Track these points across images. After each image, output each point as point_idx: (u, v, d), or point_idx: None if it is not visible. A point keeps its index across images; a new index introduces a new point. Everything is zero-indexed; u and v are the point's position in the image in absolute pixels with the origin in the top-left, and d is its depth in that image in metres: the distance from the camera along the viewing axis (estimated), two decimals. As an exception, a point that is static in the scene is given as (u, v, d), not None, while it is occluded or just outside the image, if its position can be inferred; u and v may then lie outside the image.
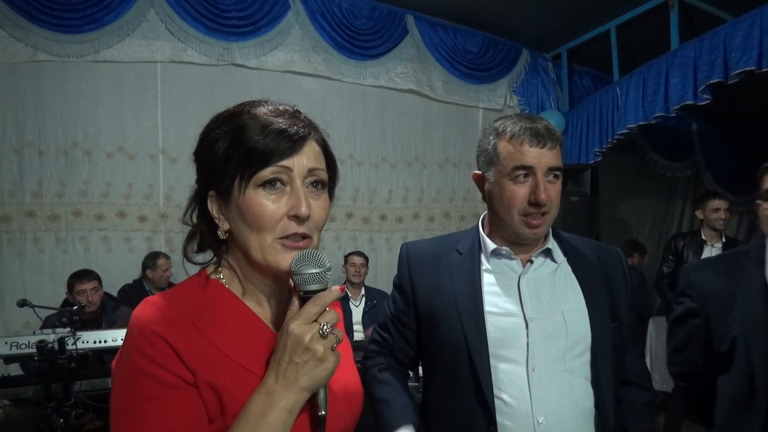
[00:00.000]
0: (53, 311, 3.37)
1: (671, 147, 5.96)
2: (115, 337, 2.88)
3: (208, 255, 0.97)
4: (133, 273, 4.44)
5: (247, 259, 0.91)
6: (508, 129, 1.31)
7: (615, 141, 4.87)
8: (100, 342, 2.85)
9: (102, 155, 4.42)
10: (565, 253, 1.39)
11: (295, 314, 0.83)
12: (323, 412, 0.85)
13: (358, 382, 1.05)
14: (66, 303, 3.67)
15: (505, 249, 1.36)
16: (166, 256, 4.33)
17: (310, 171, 0.89)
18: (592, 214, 4.95)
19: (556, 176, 1.30)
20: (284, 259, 0.87)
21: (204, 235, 0.95)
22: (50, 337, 2.64)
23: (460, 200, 5.62)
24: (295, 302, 0.87)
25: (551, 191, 1.28)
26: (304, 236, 0.88)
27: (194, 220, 0.95)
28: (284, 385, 0.81)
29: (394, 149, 5.35)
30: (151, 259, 4.24)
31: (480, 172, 1.39)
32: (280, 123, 0.88)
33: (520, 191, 1.28)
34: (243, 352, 0.88)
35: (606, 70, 5.39)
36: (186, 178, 4.60)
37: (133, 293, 4.21)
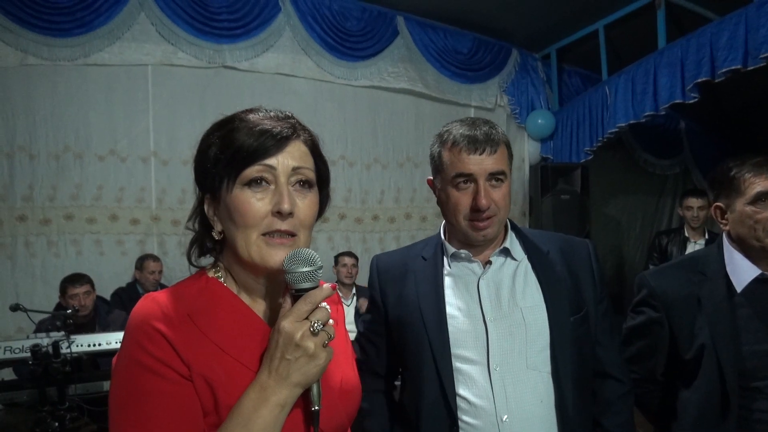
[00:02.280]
0: (46, 315, 3.36)
1: (660, 145, 6.03)
2: (109, 340, 2.88)
3: (210, 259, 1.01)
4: (126, 276, 4.43)
5: (237, 258, 0.93)
6: (450, 137, 1.34)
7: (605, 140, 4.92)
8: (94, 345, 2.85)
9: (93, 158, 4.41)
10: (526, 250, 1.41)
11: (287, 312, 0.86)
12: (317, 407, 0.87)
13: (356, 379, 1.06)
14: (59, 307, 3.66)
15: (464, 252, 1.39)
16: (156, 259, 4.33)
17: (295, 170, 0.91)
18: (583, 212, 5.01)
19: (499, 179, 1.33)
20: (269, 254, 0.89)
21: (202, 237, 0.98)
22: (44, 341, 2.63)
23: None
24: (288, 300, 0.89)
25: (495, 195, 1.31)
26: (289, 233, 0.90)
27: (196, 225, 0.99)
28: (276, 381, 0.84)
29: (385, 150, 5.37)
30: (140, 261, 4.24)
31: (431, 178, 1.45)
32: (266, 124, 0.92)
33: (463, 198, 1.32)
34: (239, 347, 0.90)
35: (595, 69, 5.45)
36: (178, 180, 4.62)
37: (126, 296, 4.20)
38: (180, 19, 4.46)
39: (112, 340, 2.88)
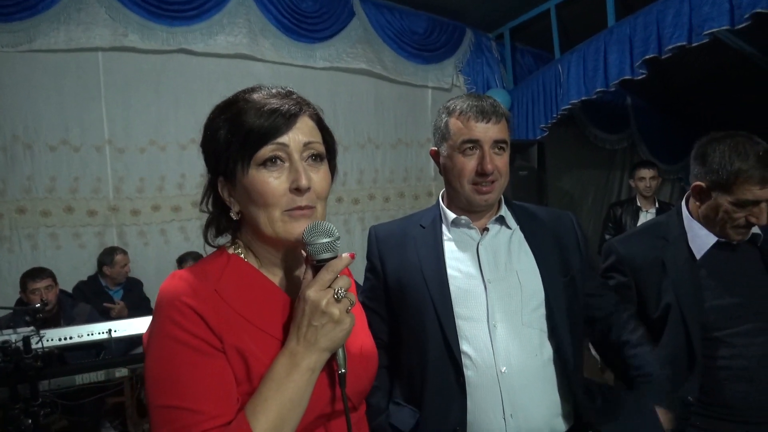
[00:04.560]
0: (7, 311, 3.26)
1: (608, 121, 6.26)
2: (80, 333, 2.83)
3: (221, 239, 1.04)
4: (86, 269, 4.31)
5: (258, 234, 0.97)
6: (458, 107, 1.45)
7: (559, 116, 5.07)
8: (65, 339, 2.79)
9: (44, 149, 4.23)
10: (518, 221, 1.52)
11: (310, 282, 0.90)
12: (343, 370, 0.93)
13: (372, 345, 1.12)
14: (20, 303, 3.54)
15: (464, 218, 1.49)
16: (123, 252, 4.24)
17: (306, 145, 0.95)
18: (540, 186, 5.17)
19: (501, 148, 1.44)
20: (293, 228, 0.94)
21: (218, 218, 1.01)
22: (13, 337, 2.56)
23: (413, 180, 5.73)
24: (309, 271, 0.93)
25: (497, 162, 1.42)
26: (308, 207, 0.94)
27: (209, 207, 1.01)
28: (305, 347, 0.88)
29: (346, 132, 5.36)
30: (108, 256, 4.13)
31: (435, 148, 1.53)
32: (273, 103, 0.94)
33: (469, 163, 1.42)
34: (264, 319, 0.94)
35: (547, 48, 5.58)
36: (135, 169, 4.49)
37: (89, 290, 4.10)
38: (130, 1, 4.28)
39: (84, 332, 2.84)
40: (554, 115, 5.08)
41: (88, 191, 4.40)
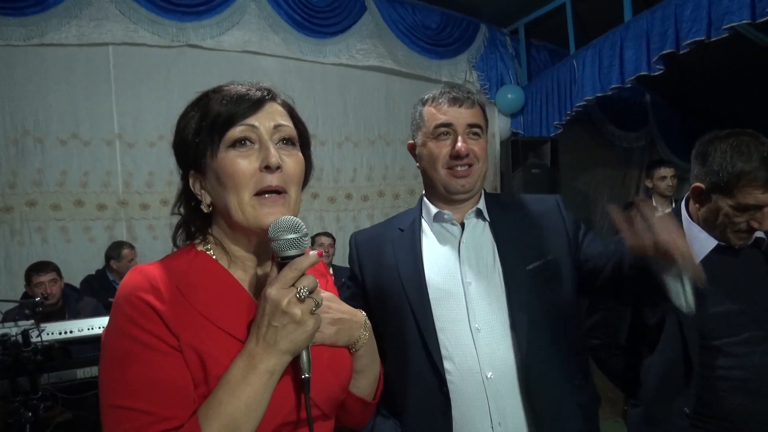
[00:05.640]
0: (13, 305, 3.28)
1: (626, 118, 6.13)
2: (81, 327, 2.82)
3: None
4: (95, 263, 4.33)
5: (230, 224, 0.94)
6: (431, 96, 1.44)
7: (573, 113, 4.97)
8: (65, 333, 2.80)
9: (55, 143, 4.27)
10: (490, 214, 1.44)
11: (273, 279, 0.86)
12: (306, 375, 0.88)
13: (346, 351, 1.05)
14: (25, 296, 3.57)
15: (446, 213, 1.43)
16: (131, 246, 4.24)
17: (276, 127, 0.94)
18: (553, 185, 5.08)
19: (476, 134, 1.40)
20: (264, 215, 0.90)
21: (190, 219, 0.99)
22: (13, 330, 2.57)
23: (424, 177, 5.64)
24: (274, 268, 0.89)
25: (473, 145, 1.38)
26: (279, 190, 0.91)
27: (181, 210, 1.00)
28: (265, 348, 0.84)
29: (357, 127, 5.33)
30: (115, 250, 4.15)
31: (412, 141, 1.49)
32: (241, 91, 0.94)
33: (442, 147, 1.38)
34: (226, 318, 0.90)
35: (562, 43, 5.47)
36: (145, 163, 4.51)
37: (97, 284, 4.11)
38: (140, -4, 4.30)
39: (84, 327, 2.83)
40: (568, 112, 4.98)
41: (98, 185, 4.43)
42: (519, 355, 1.30)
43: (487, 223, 1.44)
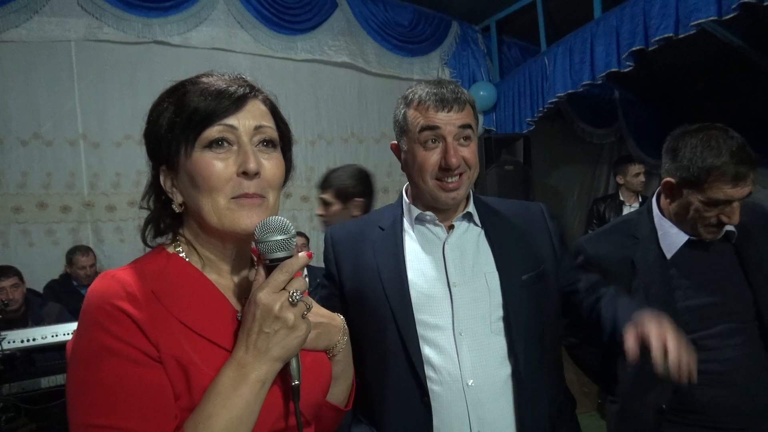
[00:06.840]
0: (-28, 312, 3.14)
1: (596, 114, 6.18)
2: (45, 334, 2.72)
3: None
4: (59, 267, 4.19)
5: (203, 227, 0.89)
6: (416, 96, 1.31)
7: (545, 110, 4.99)
8: (28, 341, 2.69)
9: (15, 143, 4.12)
10: (481, 218, 1.40)
11: (263, 283, 0.82)
12: (297, 382, 0.84)
13: (326, 356, 1.02)
14: (-14, 303, 3.43)
15: (429, 214, 1.36)
16: (86, 253, 4.08)
17: (257, 129, 0.88)
18: (526, 181, 5.10)
19: (467, 137, 1.30)
20: (241, 218, 0.85)
21: (160, 215, 0.92)
22: (-29, 339, 2.46)
23: (397, 175, 5.60)
24: (261, 271, 0.84)
25: (465, 152, 1.29)
26: (258, 196, 0.86)
27: (150, 204, 0.93)
28: (255, 356, 0.80)
29: (329, 125, 5.26)
30: (69, 255, 4.01)
31: (396, 142, 1.41)
32: (221, 85, 0.87)
33: (432, 157, 1.28)
34: (207, 325, 0.85)
35: (534, 40, 5.49)
36: (111, 163, 4.38)
37: (60, 289, 3.98)
38: (104, -9, 4.16)
39: (48, 333, 2.73)
40: (540, 109, 5.00)
41: (62, 186, 4.29)
42: (502, 363, 1.28)
43: (479, 228, 1.38)
